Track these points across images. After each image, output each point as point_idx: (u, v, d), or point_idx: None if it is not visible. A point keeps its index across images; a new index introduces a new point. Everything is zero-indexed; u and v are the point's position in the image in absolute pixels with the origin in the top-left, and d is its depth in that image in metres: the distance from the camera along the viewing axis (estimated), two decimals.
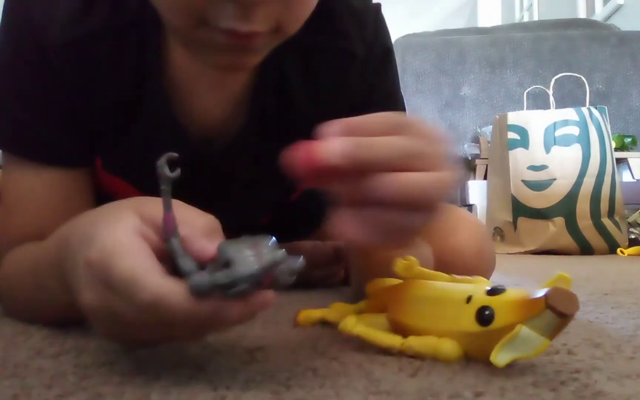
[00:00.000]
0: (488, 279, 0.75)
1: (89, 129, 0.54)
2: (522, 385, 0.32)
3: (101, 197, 0.58)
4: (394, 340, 0.39)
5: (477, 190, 2.73)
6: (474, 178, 2.94)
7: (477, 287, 0.38)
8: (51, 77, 0.51)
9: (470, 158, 3.06)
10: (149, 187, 0.43)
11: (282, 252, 0.29)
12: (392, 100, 0.61)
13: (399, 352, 0.38)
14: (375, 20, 0.57)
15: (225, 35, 0.40)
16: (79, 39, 0.49)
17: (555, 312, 0.32)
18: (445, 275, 0.43)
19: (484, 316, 0.35)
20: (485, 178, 2.69)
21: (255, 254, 0.29)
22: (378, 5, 0.58)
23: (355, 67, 0.56)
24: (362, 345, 0.41)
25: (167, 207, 0.31)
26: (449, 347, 0.36)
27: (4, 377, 0.34)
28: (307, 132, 0.56)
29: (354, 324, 0.40)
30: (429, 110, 3.17)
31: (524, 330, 0.33)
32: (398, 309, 0.42)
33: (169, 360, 0.37)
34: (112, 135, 0.55)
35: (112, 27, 0.50)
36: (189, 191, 0.52)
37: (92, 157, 0.57)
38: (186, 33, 0.42)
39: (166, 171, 0.31)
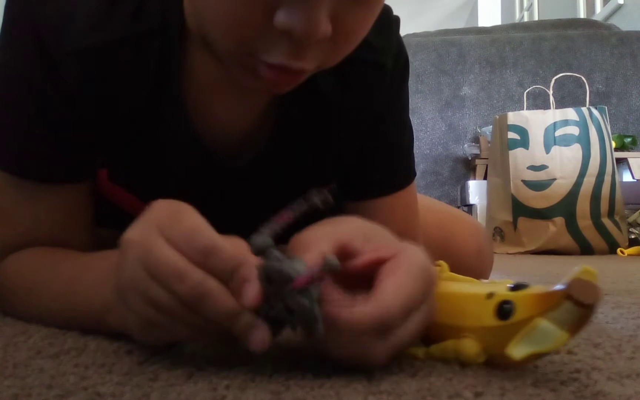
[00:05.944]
0: (487, 277, 0.76)
1: (97, 141, 0.51)
2: (522, 385, 0.32)
3: (103, 206, 0.57)
4: (417, 352, 0.38)
5: (477, 190, 2.73)
6: (474, 178, 2.94)
7: (500, 284, 0.37)
8: (54, 88, 0.47)
9: (470, 158, 3.06)
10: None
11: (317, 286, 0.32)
12: (405, 112, 0.62)
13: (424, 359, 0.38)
14: (397, 32, 0.58)
15: (271, 70, 0.39)
16: (98, 46, 0.46)
17: (575, 302, 0.30)
18: (475, 280, 0.42)
19: (503, 310, 0.34)
20: (485, 178, 2.69)
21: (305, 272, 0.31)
22: (397, 18, 0.58)
23: (383, 78, 0.56)
24: None
25: (291, 210, 0.33)
26: (468, 345, 0.36)
27: (4, 377, 0.34)
28: (336, 141, 0.57)
29: None
30: (429, 110, 3.17)
31: (542, 323, 0.32)
32: None
33: (168, 360, 0.37)
34: (123, 148, 0.52)
35: (133, 35, 0.47)
36: (202, 197, 0.51)
37: (93, 170, 0.54)
38: (229, 56, 0.41)
39: (316, 200, 0.33)
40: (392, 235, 0.38)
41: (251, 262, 0.32)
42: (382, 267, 0.34)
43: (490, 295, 0.36)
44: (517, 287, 0.35)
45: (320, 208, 0.33)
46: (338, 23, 0.38)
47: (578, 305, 0.31)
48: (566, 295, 0.31)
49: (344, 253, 0.35)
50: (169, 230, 0.33)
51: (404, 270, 0.34)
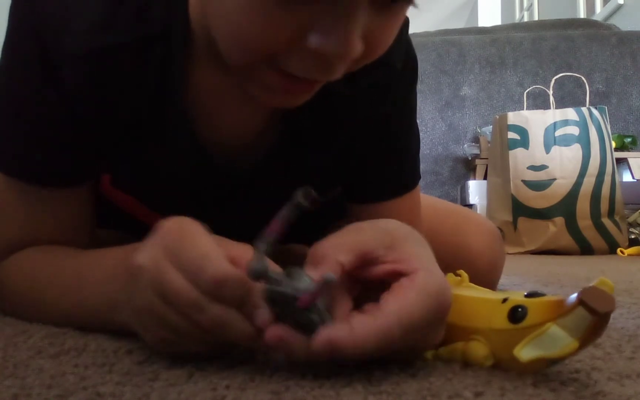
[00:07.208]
0: (496, 284, 0.74)
1: (98, 146, 0.51)
2: (522, 385, 0.32)
3: (104, 207, 0.57)
4: (426, 353, 0.38)
5: (477, 190, 2.73)
6: (474, 178, 2.94)
7: (515, 293, 0.37)
8: (56, 92, 0.47)
9: (470, 158, 3.06)
10: (161, 206, 0.42)
11: (325, 298, 0.33)
12: (413, 114, 0.61)
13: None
14: (406, 33, 0.57)
15: (290, 80, 0.39)
16: (100, 50, 0.45)
17: (587, 308, 0.30)
18: (492, 291, 0.42)
19: (516, 314, 0.34)
20: (485, 178, 2.69)
21: (311, 284, 0.33)
22: (407, 18, 0.56)
23: (393, 79, 0.55)
24: None
25: (281, 217, 0.33)
26: (476, 348, 0.36)
27: (4, 377, 0.34)
28: (342, 144, 0.56)
29: None
30: (429, 110, 3.17)
31: (553, 328, 0.32)
32: None
33: (168, 360, 0.37)
34: (125, 152, 0.52)
35: (136, 39, 0.46)
36: (204, 202, 0.50)
37: (95, 173, 0.54)
38: (242, 68, 0.40)
39: (301, 199, 0.33)
40: (421, 240, 0.38)
41: (257, 288, 0.33)
42: (397, 281, 0.34)
43: (504, 300, 0.36)
44: (532, 295, 0.35)
45: (309, 208, 0.33)
46: (368, 39, 0.38)
47: (591, 313, 0.30)
48: (580, 302, 0.31)
49: (365, 261, 0.35)
50: (179, 257, 0.33)
51: (414, 293, 0.33)
